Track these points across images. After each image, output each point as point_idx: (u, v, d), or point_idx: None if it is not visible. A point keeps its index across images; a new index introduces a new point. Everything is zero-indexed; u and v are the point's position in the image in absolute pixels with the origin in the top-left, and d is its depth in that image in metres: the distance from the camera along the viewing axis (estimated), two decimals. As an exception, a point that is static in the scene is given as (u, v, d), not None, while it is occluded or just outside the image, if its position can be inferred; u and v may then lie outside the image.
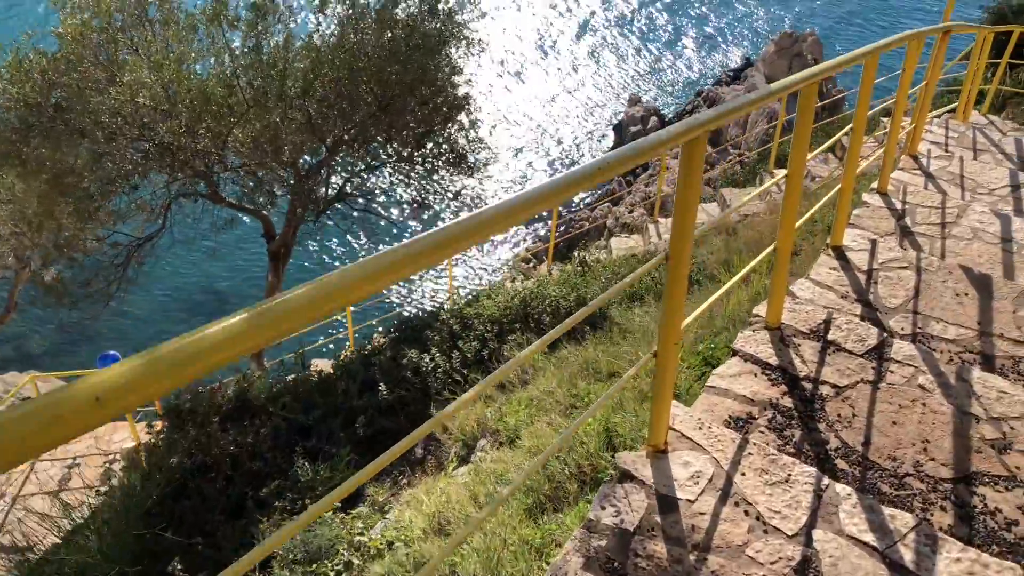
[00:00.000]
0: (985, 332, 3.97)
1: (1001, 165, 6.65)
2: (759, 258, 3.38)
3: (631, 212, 20.60)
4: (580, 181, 1.71)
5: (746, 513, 2.59)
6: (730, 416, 3.20)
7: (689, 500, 2.62)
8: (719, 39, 34.41)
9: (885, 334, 3.69)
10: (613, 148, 29.70)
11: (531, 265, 19.97)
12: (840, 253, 4.58)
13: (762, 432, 3.13)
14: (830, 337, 3.66)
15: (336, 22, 7.88)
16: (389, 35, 7.40)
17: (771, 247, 3.47)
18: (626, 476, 2.69)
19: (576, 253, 10.64)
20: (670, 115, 29.55)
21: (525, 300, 6.40)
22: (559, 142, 29.12)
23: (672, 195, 20.21)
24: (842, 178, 4.36)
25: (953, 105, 8.53)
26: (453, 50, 8.34)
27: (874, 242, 4.69)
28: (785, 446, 3.07)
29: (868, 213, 5.31)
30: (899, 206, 5.41)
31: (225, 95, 7.82)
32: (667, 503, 2.60)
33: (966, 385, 3.39)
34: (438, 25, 7.82)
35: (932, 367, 3.48)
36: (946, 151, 6.84)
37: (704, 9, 36.23)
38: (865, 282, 4.35)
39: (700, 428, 2.92)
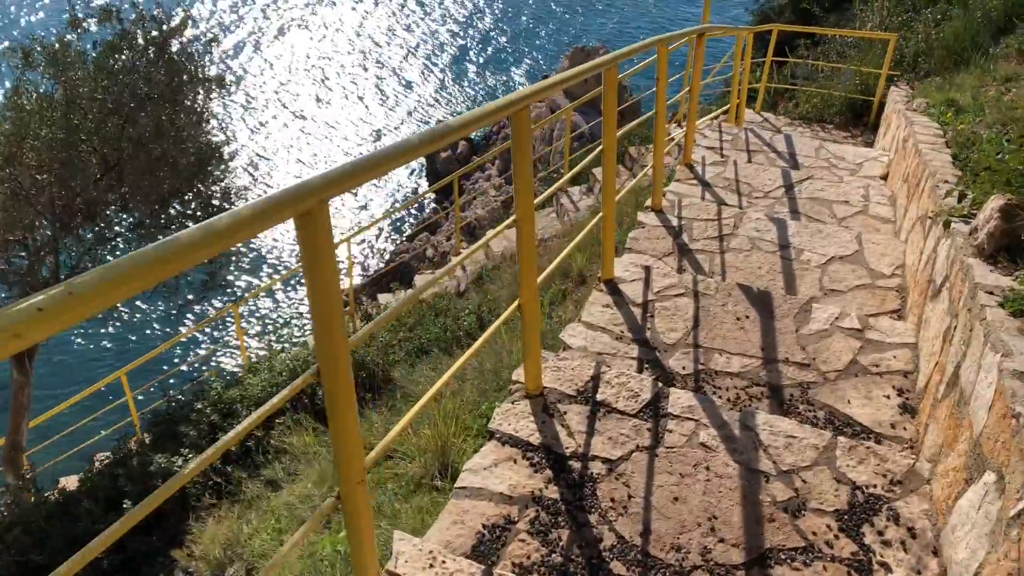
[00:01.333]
0: (770, 359, 3.60)
1: (774, 165, 6.56)
2: (495, 325, 2.77)
3: (449, 240, 20.08)
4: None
5: None
6: (484, 526, 2.56)
7: None
8: (520, 56, 34.82)
9: (660, 384, 3.20)
10: (427, 175, 29.20)
11: (346, 310, 18.88)
12: (613, 287, 4.11)
13: (522, 541, 2.52)
14: (600, 396, 3.13)
15: (46, 76, 6.73)
16: (104, 84, 6.35)
17: (513, 305, 2.88)
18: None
19: (364, 302, 9.89)
20: (477, 137, 29.42)
21: (295, 372, 5.58)
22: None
23: (486, 217, 19.45)
24: (602, 206, 3.89)
25: (726, 107, 8.55)
26: (196, 95, 7.39)
27: (648, 269, 4.26)
28: (551, 555, 2.47)
29: (644, 234, 4.93)
30: (675, 222, 5.07)
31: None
32: None
33: (751, 435, 2.94)
34: (170, 69, 6.85)
35: (713, 417, 3.02)
36: (721, 156, 6.68)
37: (500, 29, 36.62)
38: (641, 317, 3.89)
39: (431, 565, 2.25)
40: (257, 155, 25.01)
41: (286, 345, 6.65)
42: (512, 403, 3.08)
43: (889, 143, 7.10)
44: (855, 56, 10.59)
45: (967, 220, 3.61)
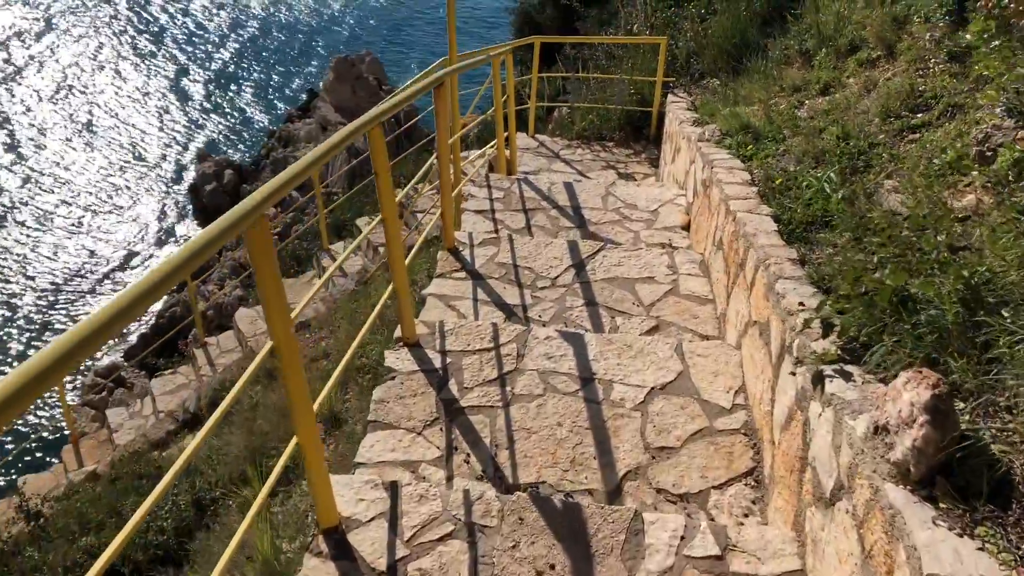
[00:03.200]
0: (597, 657, 2.19)
1: (559, 229, 5.25)
2: None
3: (222, 289, 17.64)
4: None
5: None
6: None
7: None
8: (280, 75, 32.14)
9: None
10: (194, 213, 25.92)
11: (102, 395, 15.91)
12: (339, 542, 2.53)
13: None
14: None
15: None
16: None
17: None
18: None
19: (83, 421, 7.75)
20: (248, 162, 26.72)
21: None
22: (113, 232, 23.95)
23: (250, 292, 16.66)
24: (293, 423, 2.29)
25: (488, 150, 7.19)
26: None
27: (395, 488, 2.72)
28: None
29: (395, 391, 3.39)
30: (439, 361, 3.57)
31: None
32: None
33: None
34: None
35: None
36: (494, 225, 5.27)
37: (255, 48, 33.66)
38: (387, 602, 2.36)
39: None
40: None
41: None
42: None
43: (682, 176, 6.03)
44: (626, 59, 9.65)
45: (843, 369, 2.41)
